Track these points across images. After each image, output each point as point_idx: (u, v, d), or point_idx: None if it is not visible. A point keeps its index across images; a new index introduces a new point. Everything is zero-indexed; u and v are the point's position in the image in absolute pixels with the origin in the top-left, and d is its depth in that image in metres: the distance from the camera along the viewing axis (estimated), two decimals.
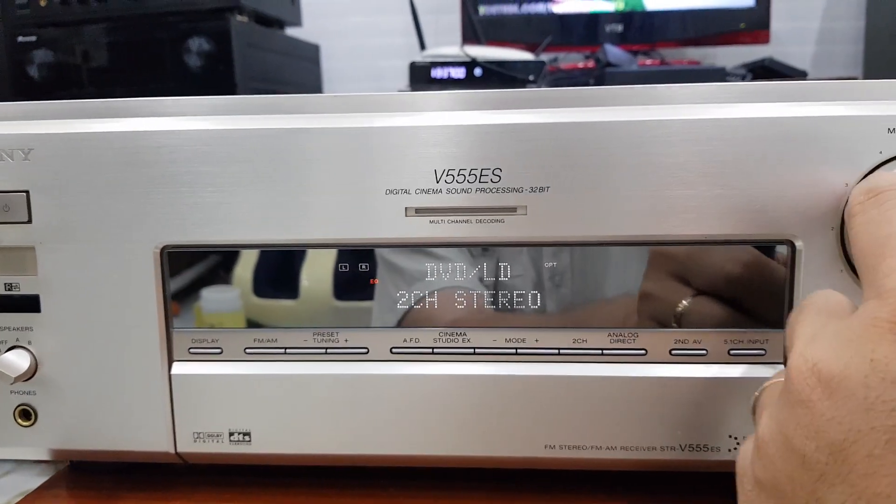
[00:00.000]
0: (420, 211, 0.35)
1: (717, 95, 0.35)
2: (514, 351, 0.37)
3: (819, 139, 0.33)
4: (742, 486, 0.28)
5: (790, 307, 0.35)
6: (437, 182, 0.35)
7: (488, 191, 0.35)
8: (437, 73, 0.84)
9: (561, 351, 0.37)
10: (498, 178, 0.35)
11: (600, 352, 0.36)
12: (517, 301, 0.37)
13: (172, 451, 0.38)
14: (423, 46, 1.00)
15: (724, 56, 1.11)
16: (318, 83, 1.11)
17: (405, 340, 0.37)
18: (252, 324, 0.38)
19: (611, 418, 0.36)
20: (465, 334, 0.37)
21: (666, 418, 0.36)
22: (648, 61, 1.03)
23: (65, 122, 0.37)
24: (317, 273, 0.38)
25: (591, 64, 0.99)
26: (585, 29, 1.05)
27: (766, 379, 0.31)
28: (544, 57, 0.95)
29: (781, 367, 0.35)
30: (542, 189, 0.35)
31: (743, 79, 0.92)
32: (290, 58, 1.01)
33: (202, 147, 0.36)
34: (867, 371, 0.23)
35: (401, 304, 0.37)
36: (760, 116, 0.34)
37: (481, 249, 0.37)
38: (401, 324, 0.37)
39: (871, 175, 0.33)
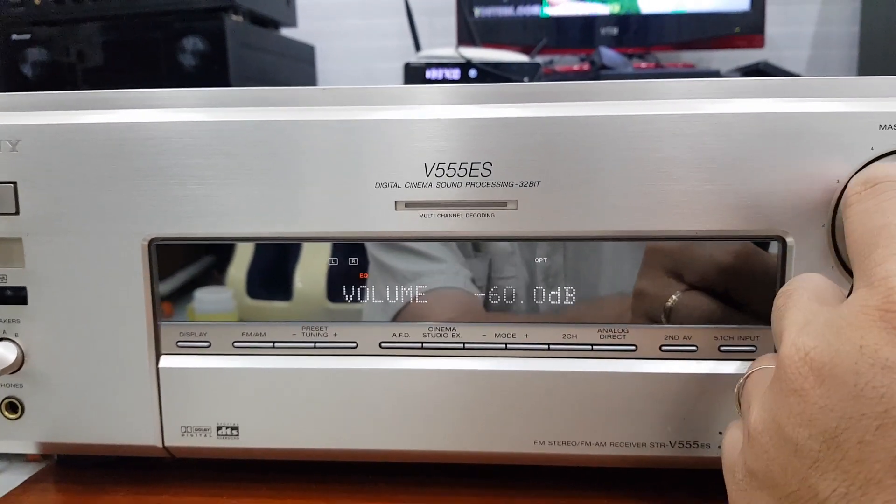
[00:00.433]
0: (410, 205, 0.35)
1: (708, 91, 0.35)
2: (503, 346, 0.37)
3: (810, 135, 0.33)
4: (732, 477, 0.28)
5: None
6: (427, 176, 0.35)
7: (478, 185, 0.35)
8: (432, 74, 0.84)
9: (551, 346, 0.36)
10: (488, 172, 0.35)
11: (590, 347, 0.36)
12: (507, 299, 0.37)
13: (160, 444, 0.38)
14: (418, 48, 0.99)
15: (718, 60, 1.12)
16: (312, 84, 1.11)
17: (394, 335, 0.37)
18: None
19: (601, 414, 0.36)
20: (454, 329, 0.37)
21: (656, 415, 0.36)
22: (643, 64, 1.03)
23: (53, 113, 0.37)
24: (310, 274, 0.38)
25: (585, 66, 0.99)
26: (581, 32, 1.04)
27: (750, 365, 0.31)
28: (539, 59, 0.95)
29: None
30: (532, 183, 0.35)
31: None
32: (285, 58, 1.01)
33: (190, 139, 0.36)
34: (856, 358, 0.23)
35: (392, 305, 0.37)
36: (751, 112, 0.34)
37: (473, 250, 0.37)
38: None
39: (868, 166, 0.33)
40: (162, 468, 0.41)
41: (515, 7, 1.05)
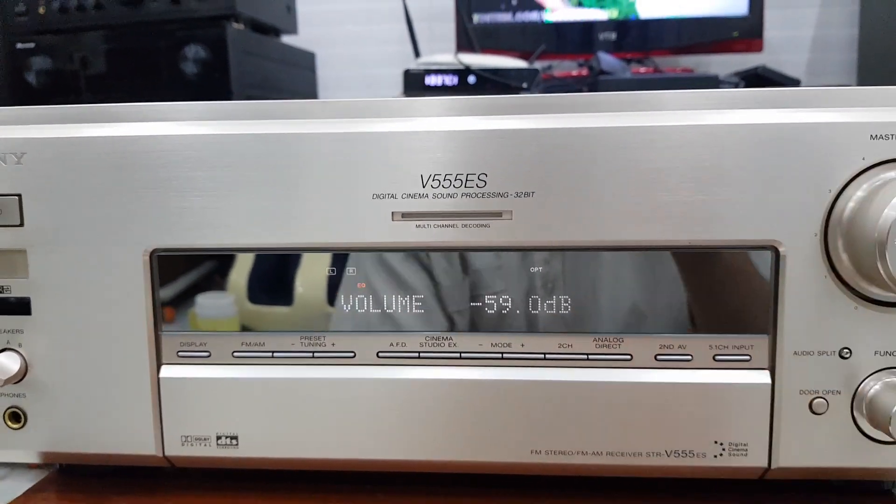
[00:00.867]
0: (406, 215, 0.36)
1: (702, 102, 0.35)
2: (499, 355, 0.37)
3: (803, 145, 0.34)
4: None
5: (774, 313, 0.35)
6: (424, 187, 0.35)
7: (474, 196, 0.35)
8: (431, 80, 0.85)
9: (547, 355, 0.37)
10: (483, 182, 0.35)
11: (586, 356, 0.37)
12: (499, 311, 0.37)
13: (160, 454, 0.39)
14: (417, 54, 1.00)
15: (717, 64, 1.12)
16: (313, 91, 1.11)
17: (392, 344, 0.37)
18: (245, 330, 0.38)
19: (596, 423, 0.36)
20: (451, 339, 0.37)
21: (651, 424, 0.36)
22: (642, 69, 1.04)
23: (57, 126, 0.37)
24: (311, 280, 0.38)
25: (584, 72, 1.00)
26: (579, 37, 1.05)
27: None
28: (538, 65, 0.96)
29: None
30: (527, 194, 0.35)
31: (736, 86, 0.93)
32: (286, 65, 1.01)
33: (192, 152, 0.36)
34: None
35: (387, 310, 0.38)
36: (743, 123, 0.34)
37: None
38: None
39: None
40: (162, 477, 0.42)
41: (514, 13, 1.05)
